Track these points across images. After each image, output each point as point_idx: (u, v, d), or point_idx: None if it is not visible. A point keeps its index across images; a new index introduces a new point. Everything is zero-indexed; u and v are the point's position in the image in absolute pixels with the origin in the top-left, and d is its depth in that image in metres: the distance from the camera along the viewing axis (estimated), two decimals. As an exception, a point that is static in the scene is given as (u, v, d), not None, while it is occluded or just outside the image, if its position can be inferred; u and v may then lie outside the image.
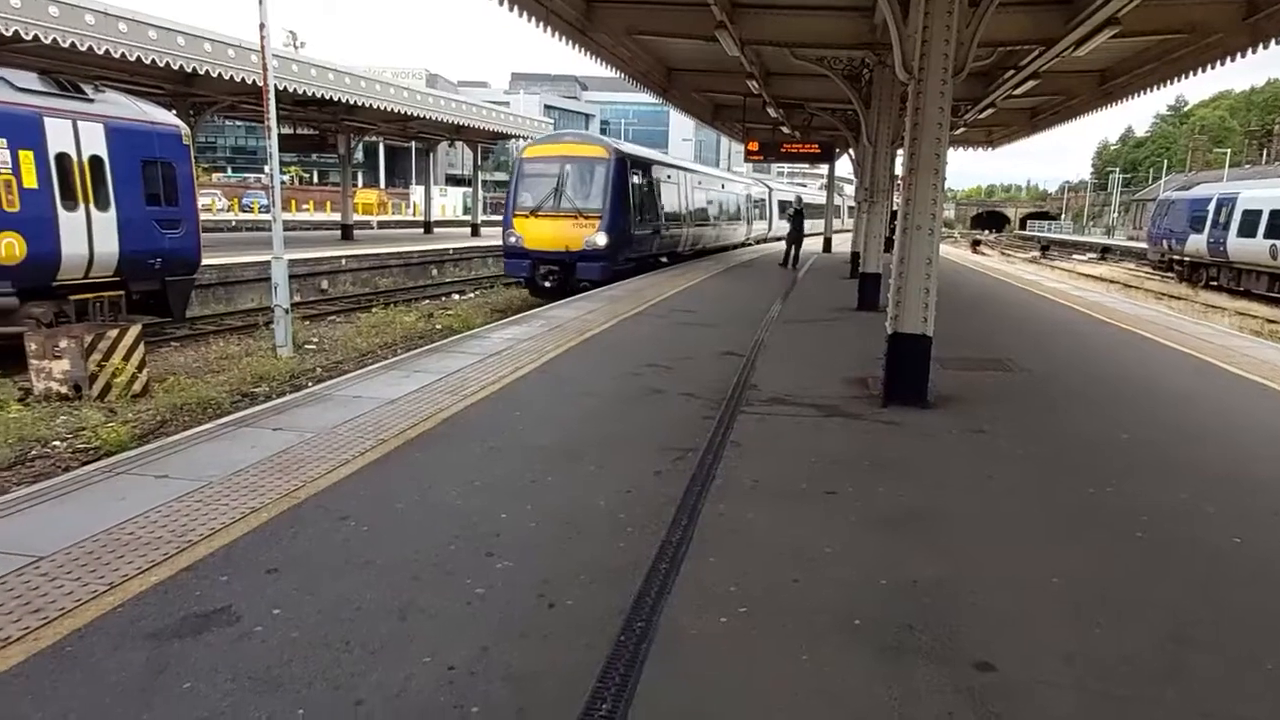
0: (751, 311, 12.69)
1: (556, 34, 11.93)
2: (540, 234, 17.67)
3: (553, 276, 17.64)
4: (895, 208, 19.31)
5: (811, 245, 34.34)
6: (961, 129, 19.46)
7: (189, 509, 4.22)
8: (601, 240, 17.39)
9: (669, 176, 23.12)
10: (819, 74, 13.94)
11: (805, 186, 58.18)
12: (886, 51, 11.99)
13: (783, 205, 41.58)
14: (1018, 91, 14.27)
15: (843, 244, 31.48)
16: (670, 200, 22.94)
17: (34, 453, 7.51)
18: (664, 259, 22.66)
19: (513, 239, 17.94)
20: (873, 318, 12.24)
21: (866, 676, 2.93)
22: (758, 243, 36.76)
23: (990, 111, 16.96)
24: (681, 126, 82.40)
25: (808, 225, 37.40)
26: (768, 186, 42.50)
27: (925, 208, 6.67)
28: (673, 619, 3.27)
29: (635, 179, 19.18)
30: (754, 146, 20.44)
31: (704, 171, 29.10)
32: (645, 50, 15.30)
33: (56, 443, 7.79)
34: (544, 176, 17.99)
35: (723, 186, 30.95)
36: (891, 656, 3.05)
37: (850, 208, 56.33)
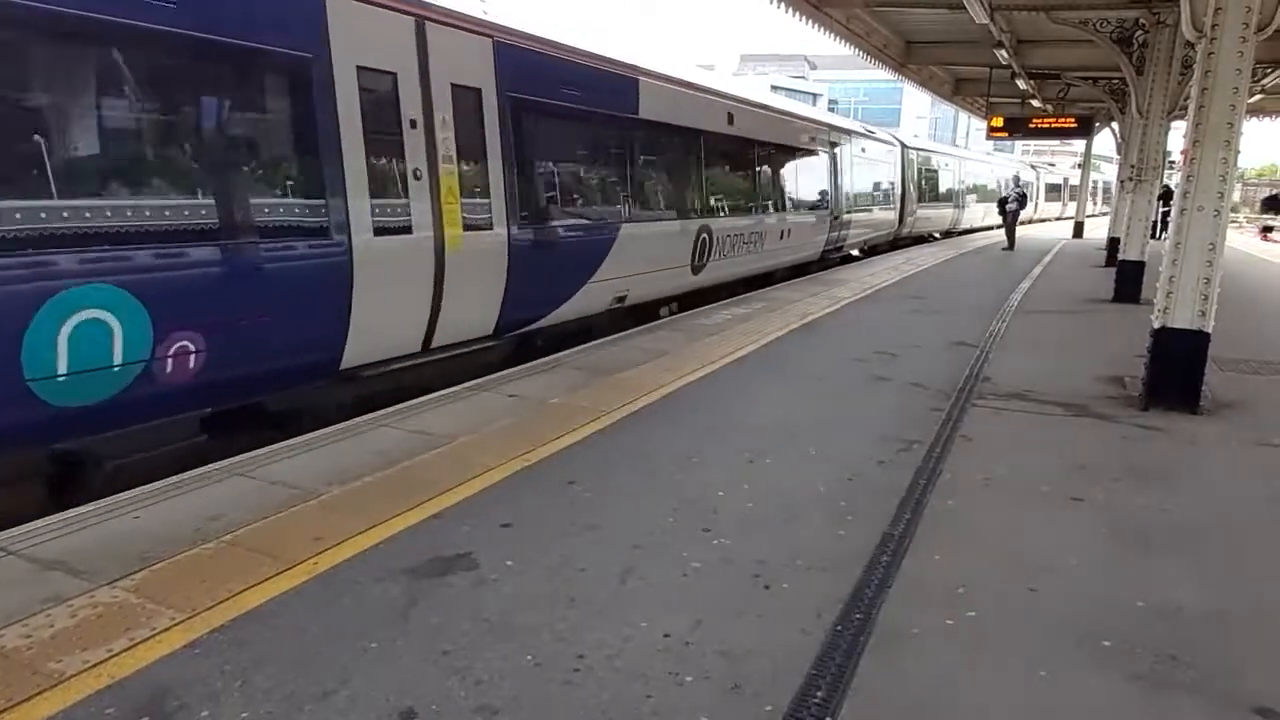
0: (987, 300, 11.80)
1: (789, 9, 11.70)
2: None
3: None
4: (1164, 187, 17.15)
5: (1059, 231, 31.26)
6: (1259, 95, 16.76)
7: (439, 462, 4.65)
8: None
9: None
10: (1080, 39, 12.60)
11: (1055, 166, 52.47)
12: (1167, 9, 10.62)
13: (928, 176, 23.75)
14: (1338, 49, 12.03)
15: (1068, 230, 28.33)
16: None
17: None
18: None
19: None
20: (1131, 310, 10.98)
21: (1117, 704, 2.64)
22: (862, 253, 19.33)
23: (1299, 74, 14.45)
24: (916, 103, 78.12)
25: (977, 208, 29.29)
26: (898, 142, 21.39)
27: (1211, 185, 5.80)
28: (893, 614, 3.13)
29: None
30: (997, 123, 18.91)
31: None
32: (882, 23, 14.61)
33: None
34: None
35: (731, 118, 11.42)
36: (1149, 687, 2.72)
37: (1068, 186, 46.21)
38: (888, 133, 21.66)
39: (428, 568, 3.41)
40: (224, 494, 4.11)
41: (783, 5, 11.41)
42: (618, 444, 5.08)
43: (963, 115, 40.81)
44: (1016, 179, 25.62)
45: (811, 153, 15.06)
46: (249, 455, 4.68)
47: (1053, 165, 52.84)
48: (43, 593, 3.09)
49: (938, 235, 25.93)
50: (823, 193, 15.60)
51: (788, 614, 3.12)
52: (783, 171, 13.99)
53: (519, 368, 7.00)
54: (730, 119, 11.33)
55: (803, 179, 14.71)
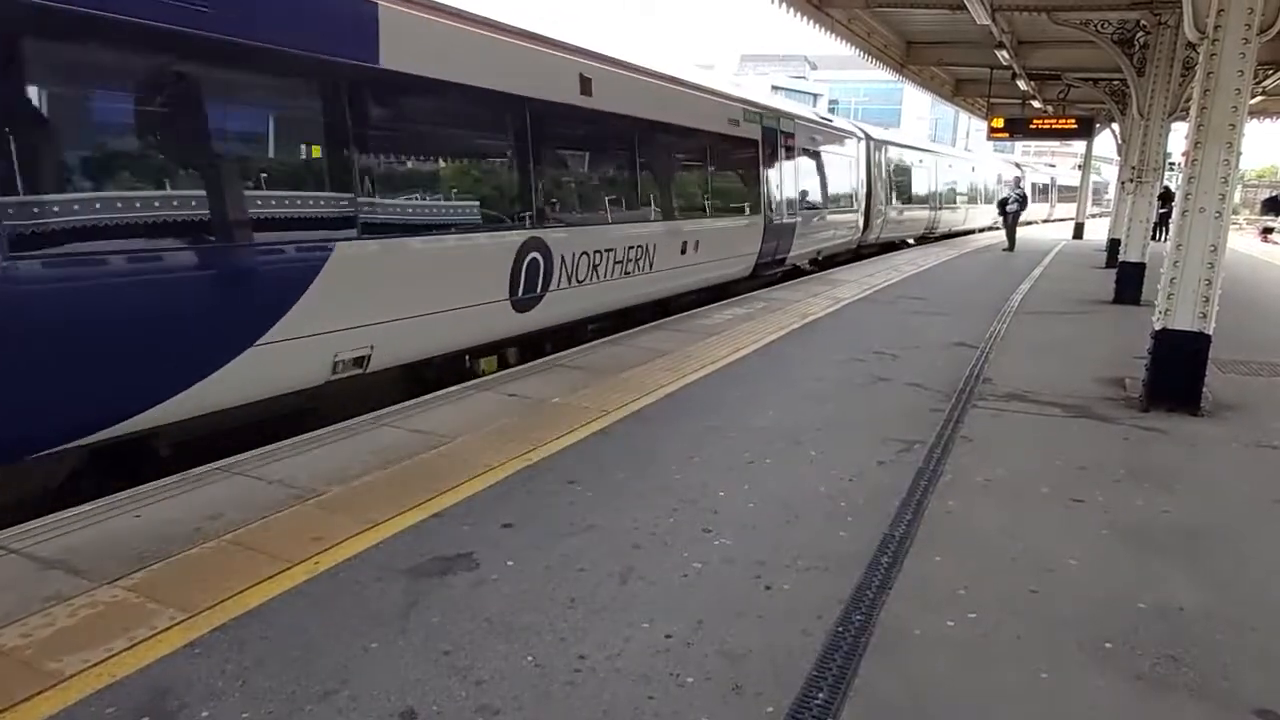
0: (987, 301, 11.80)
1: (790, 9, 11.71)
2: None
3: None
4: (1163, 188, 17.13)
5: (1059, 232, 31.24)
6: (1259, 97, 16.77)
7: (439, 462, 4.64)
8: None
9: None
10: (1081, 40, 12.63)
11: (1055, 166, 52.32)
12: (1168, 10, 10.63)
13: (900, 174, 20.94)
14: (1340, 50, 12.05)
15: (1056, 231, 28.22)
16: None
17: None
18: None
19: None
20: (1131, 312, 10.99)
21: (1120, 707, 2.64)
22: (816, 265, 16.05)
23: (1299, 76, 14.47)
24: (916, 104, 78.13)
25: (962, 212, 27.63)
26: (861, 133, 18.44)
27: (1212, 186, 5.80)
28: (895, 616, 3.13)
29: None
30: (998, 124, 18.93)
31: None
32: (883, 23, 14.63)
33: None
34: None
35: None
36: (1151, 689, 2.72)
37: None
38: (850, 123, 19.18)
39: (428, 567, 3.41)
40: (224, 493, 4.11)
41: (784, 5, 11.41)
42: (619, 444, 5.08)
43: (963, 116, 40.40)
44: (1017, 181, 25.22)
45: (732, 140, 11.53)
46: (248, 455, 4.67)
47: (1052, 165, 52.73)
48: (42, 591, 3.09)
49: (911, 241, 23.20)
50: (752, 192, 12.23)
51: (789, 615, 3.12)
52: (682, 163, 10.75)
53: (520, 367, 6.99)
54: (585, 86, 7.93)
55: (718, 174, 11.46)
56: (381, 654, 2.79)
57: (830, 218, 15.89)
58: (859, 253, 18.57)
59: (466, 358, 7.16)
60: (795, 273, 14.57)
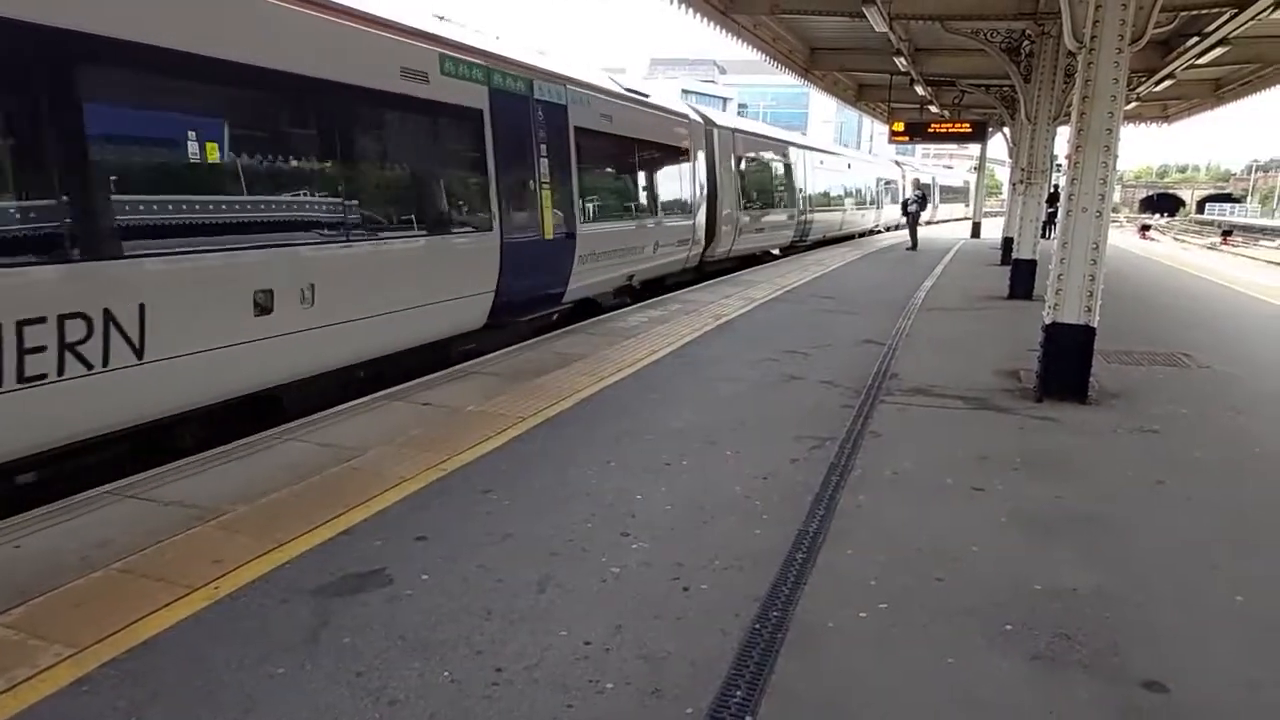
0: (893, 299, 12.22)
1: (696, 14, 11.86)
2: None
3: None
4: (1053, 188, 18.16)
5: (958, 231, 32.58)
6: (1134, 103, 17.94)
7: (350, 475, 4.50)
8: None
9: None
10: (973, 48, 13.26)
11: (952, 168, 54.77)
12: (1050, 21, 11.22)
13: (758, 173, 17.77)
14: (1201, 61, 13.00)
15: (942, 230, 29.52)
16: None
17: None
18: None
19: None
20: (1025, 307, 11.54)
21: (1019, 686, 2.76)
22: (629, 295, 11.65)
23: (1169, 83, 15.53)
24: (822, 108, 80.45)
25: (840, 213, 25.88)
26: (699, 118, 14.35)
27: (1092, 188, 6.16)
28: (809, 610, 3.19)
29: None
30: (899, 127, 19.64)
31: None
32: (788, 30, 15.00)
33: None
34: None
35: None
36: (1047, 667, 2.86)
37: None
38: (688, 105, 14.94)
39: (339, 586, 3.29)
40: (114, 517, 3.88)
41: (691, 10, 11.55)
42: (534, 450, 5.03)
43: (866, 120, 41.52)
44: (916, 182, 26.27)
45: (422, 108, 7.19)
46: (142, 475, 4.43)
47: (950, 167, 55.10)
48: (-92, 634, 2.85)
49: (776, 252, 19.56)
50: (475, 195, 7.95)
51: (707, 615, 3.15)
52: (285, 145, 5.88)
53: (434, 375, 6.85)
54: None
55: (390, 165, 7.22)
56: (289, 680, 2.68)
57: (647, 228, 11.86)
58: (702, 270, 14.66)
59: None
60: (588, 310, 10.41)
